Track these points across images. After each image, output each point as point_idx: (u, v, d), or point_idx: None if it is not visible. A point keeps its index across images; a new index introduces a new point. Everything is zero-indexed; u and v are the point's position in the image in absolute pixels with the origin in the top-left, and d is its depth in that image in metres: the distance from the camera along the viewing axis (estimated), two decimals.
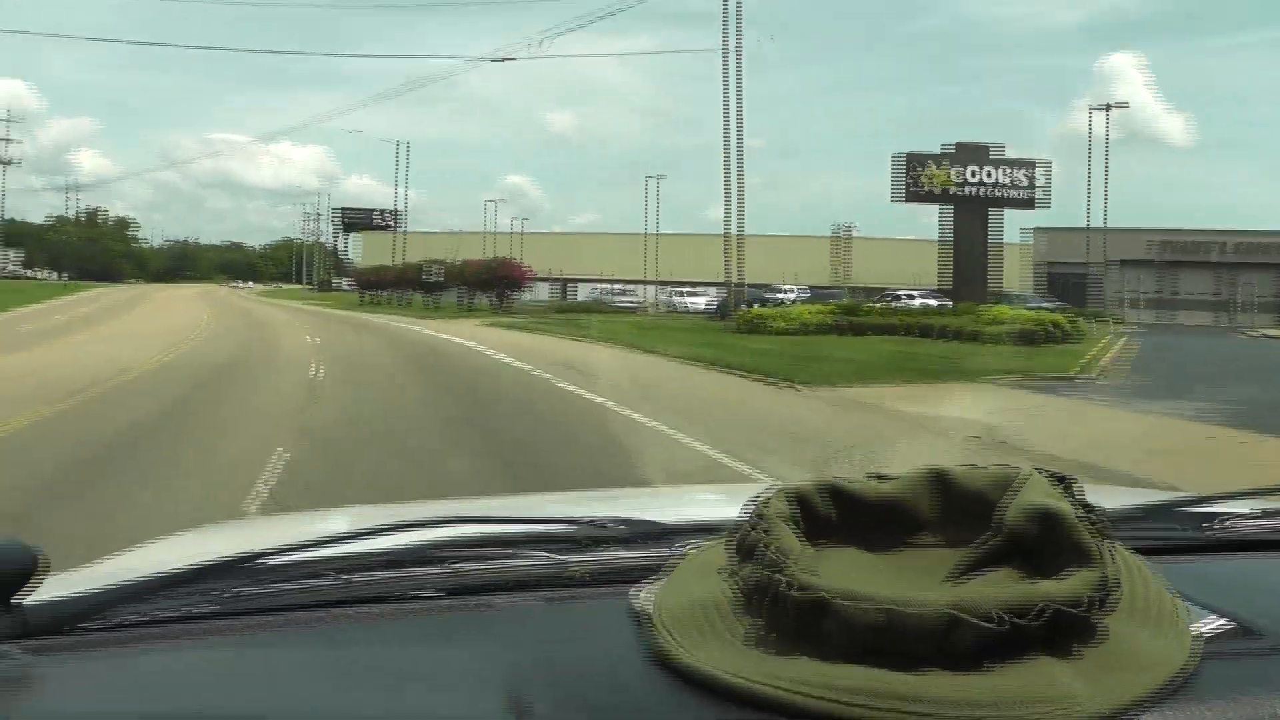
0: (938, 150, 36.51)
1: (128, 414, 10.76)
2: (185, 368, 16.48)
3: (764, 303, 35.46)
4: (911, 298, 38.18)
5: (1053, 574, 0.69)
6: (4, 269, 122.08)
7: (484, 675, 0.77)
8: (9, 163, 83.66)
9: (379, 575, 1.04)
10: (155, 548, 1.50)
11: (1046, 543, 0.71)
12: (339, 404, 12.02)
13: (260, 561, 1.04)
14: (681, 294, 49.53)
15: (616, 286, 52.24)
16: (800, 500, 0.79)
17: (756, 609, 0.71)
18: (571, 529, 1.16)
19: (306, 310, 47.80)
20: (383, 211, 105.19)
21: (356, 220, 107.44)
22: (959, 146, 36.52)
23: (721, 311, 37.41)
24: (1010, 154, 36.89)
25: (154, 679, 0.80)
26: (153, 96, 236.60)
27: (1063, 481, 0.78)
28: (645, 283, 56.15)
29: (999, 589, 0.67)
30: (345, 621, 0.96)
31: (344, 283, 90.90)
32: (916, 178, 35.86)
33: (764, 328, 27.98)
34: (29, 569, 0.81)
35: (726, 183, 35.19)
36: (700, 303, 46.31)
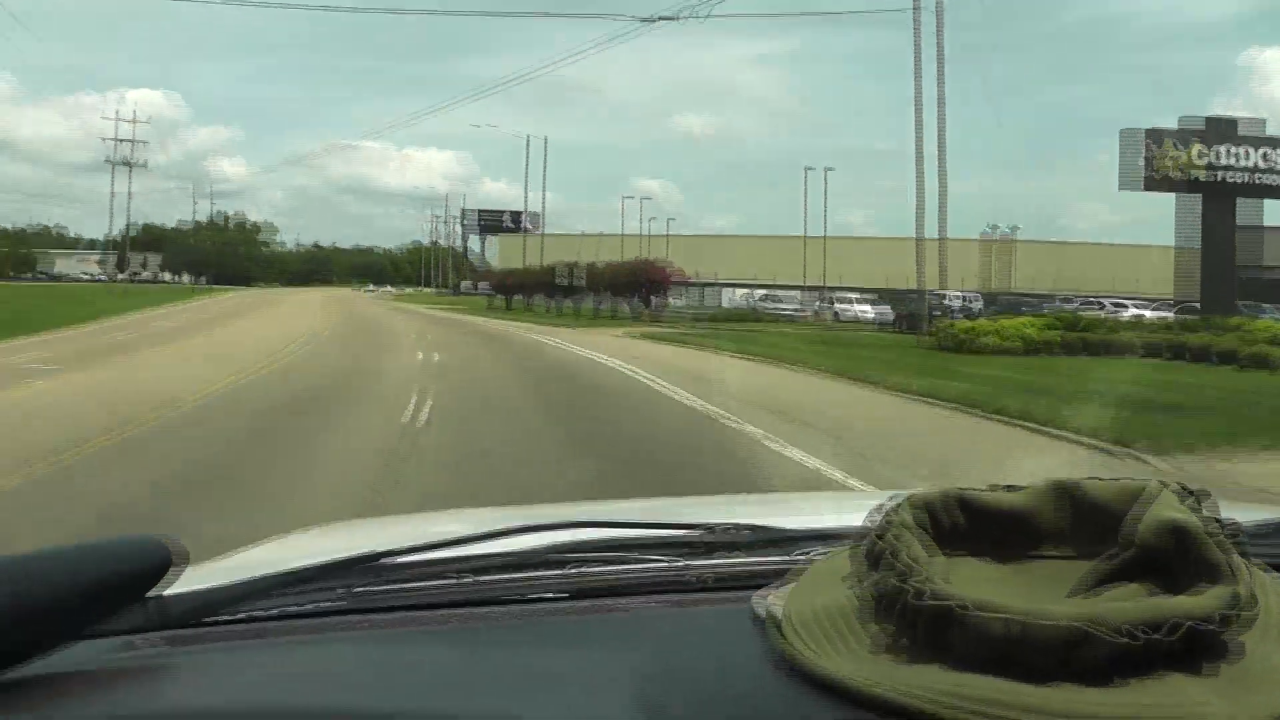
0: (1175, 125, 29.98)
1: (103, 495, 6.65)
2: (246, 403, 11.96)
3: (943, 312, 30.19)
4: (1121, 306, 32.00)
5: (1184, 590, 0.68)
6: (139, 273, 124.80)
7: (611, 678, 0.77)
8: (139, 165, 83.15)
9: (503, 577, 1.07)
10: (281, 544, 1.51)
11: (1177, 557, 0.69)
12: (438, 485, 7.16)
13: (386, 560, 1.06)
14: (848, 301, 43.69)
15: (774, 293, 46.50)
16: (927, 509, 0.79)
17: (884, 616, 0.71)
18: (694, 534, 1.17)
19: (431, 316, 44.09)
20: (517, 213, 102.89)
21: (491, 223, 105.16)
22: (1209, 121, 29.97)
23: (905, 323, 32.13)
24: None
25: (282, 673, 0.81)
26: (291, 104, 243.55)
27: (1194, 495, 0.76)
28: (798, 288, 50.48)
29: (1130, 603, 0.66)
30: (470, 622, 0.98)
31: (475, 286, 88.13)
32: (1151, 160, 29.40)
33: (973, 345, 22.61)
34: (166, 564, 0.81)
35: (918, 182, 31.06)
36: (871, 311, 40.56)
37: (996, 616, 0.63)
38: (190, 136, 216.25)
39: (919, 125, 31.52)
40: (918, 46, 31.85)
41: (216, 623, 0.96)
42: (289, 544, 1.52)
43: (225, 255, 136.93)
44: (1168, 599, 0.65)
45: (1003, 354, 21.65)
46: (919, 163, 31.61)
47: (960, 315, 30.55)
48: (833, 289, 47.45)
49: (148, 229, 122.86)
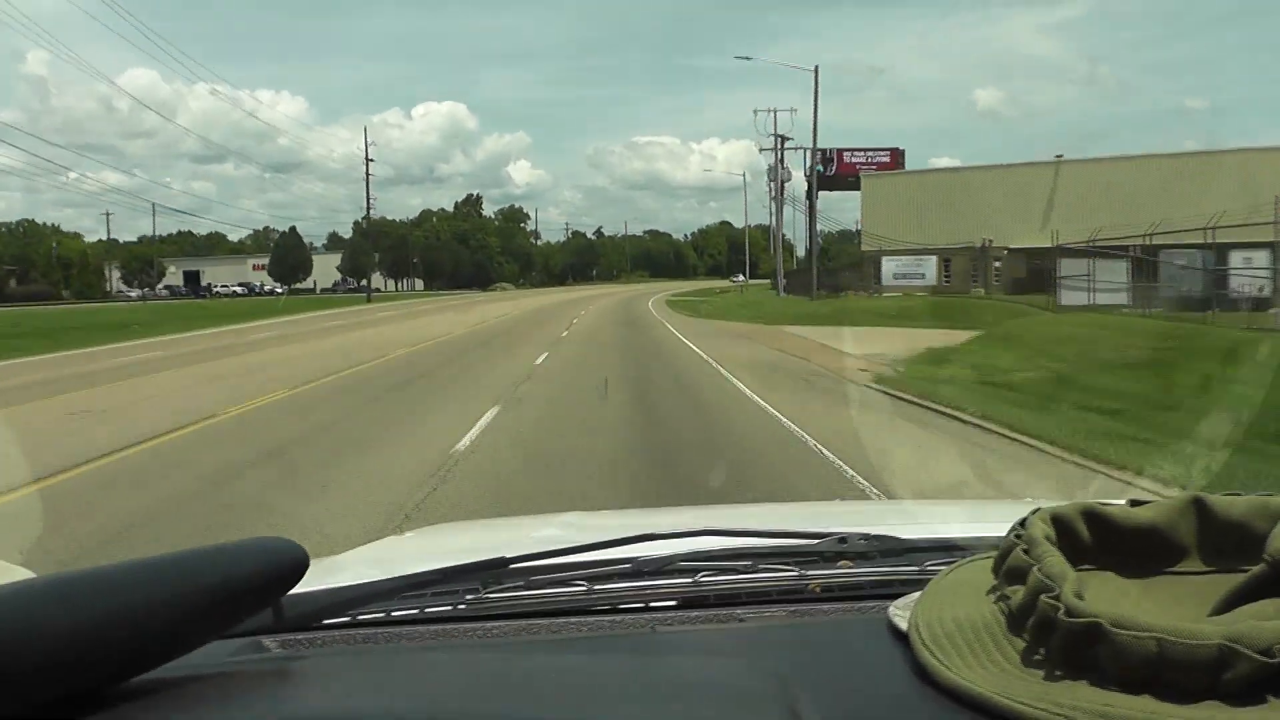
0: None
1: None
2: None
3: None
4: None
5: None
6: (339, 282, 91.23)
7: (737, 688, 0.75)
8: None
9: (623, 585, 1.07)
10: (397, 543, 1.53)
11: None
12: None
13: (503, 567, 1.07)
14: None
15: None
16: (1059, 523, 0.77)
17: (1024, 631, 0.69)
18: (815, 543, 1.15)
19: None
20: (899, 152, 59.86)
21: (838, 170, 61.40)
22: None
23: None
24: None
25: (406, 679, 0.80)
26: (579, 108, 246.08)
27: None
28: None
29: (1275, 621, 0.62)
30: (590, 631, 0.98)
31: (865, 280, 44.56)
32: None
33: None
34: (302, 568, 0.79)
35: None
36: None
37: (1149, 635, 0.61)
38: (480, 147, 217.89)
39: None
40: None
41: (340, 625, 0.97)
42: (405, 544, 1.54)
43: (451, 250, 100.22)
44: None
45: None
46: None
47: None
48: None
49: (365, 225, 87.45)
